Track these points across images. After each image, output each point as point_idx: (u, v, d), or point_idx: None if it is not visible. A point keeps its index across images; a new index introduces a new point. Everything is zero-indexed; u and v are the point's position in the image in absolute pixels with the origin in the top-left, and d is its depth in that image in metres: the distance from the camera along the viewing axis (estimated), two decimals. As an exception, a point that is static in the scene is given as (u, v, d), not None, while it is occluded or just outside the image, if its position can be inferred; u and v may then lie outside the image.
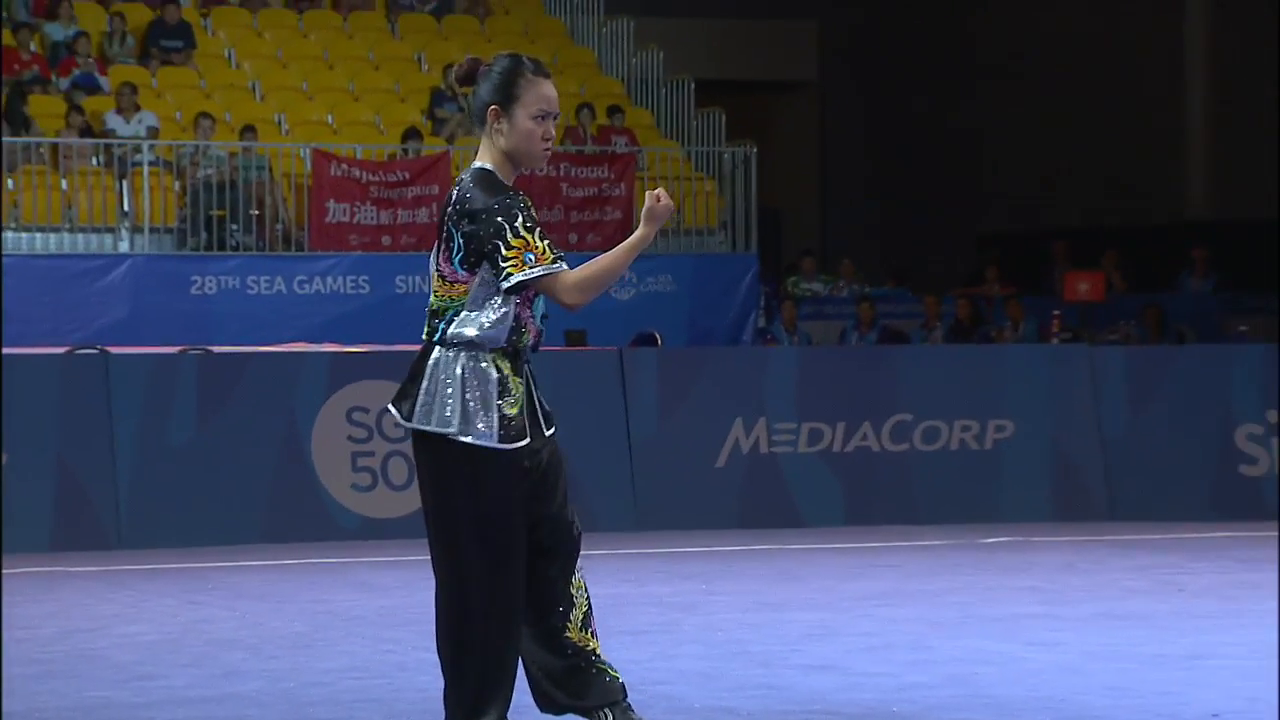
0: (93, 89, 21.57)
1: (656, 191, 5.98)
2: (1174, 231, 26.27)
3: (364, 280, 20.34)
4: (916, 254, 28.16)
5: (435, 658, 8.27)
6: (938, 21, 29.88)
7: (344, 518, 12.82)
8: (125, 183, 20.52)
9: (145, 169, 20.48)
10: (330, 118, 22.34)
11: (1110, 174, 28.13)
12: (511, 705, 6.26)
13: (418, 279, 20.52)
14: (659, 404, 13.47)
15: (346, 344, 16.28)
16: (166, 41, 22.46)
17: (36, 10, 22.53)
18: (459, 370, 5.97)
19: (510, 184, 6.00)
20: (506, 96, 5.97)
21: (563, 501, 6.07)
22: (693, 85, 23.61)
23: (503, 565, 6.01)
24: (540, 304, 6.02)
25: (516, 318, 5.96)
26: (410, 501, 12.94)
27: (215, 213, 20.46)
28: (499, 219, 5.88)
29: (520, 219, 5.88)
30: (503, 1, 24.90)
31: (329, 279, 20.31)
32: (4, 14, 22.05)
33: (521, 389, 6.00)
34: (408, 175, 20.87)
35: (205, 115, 21.08)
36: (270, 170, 20.86)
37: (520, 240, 5.88)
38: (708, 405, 13.54)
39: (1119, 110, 28.06)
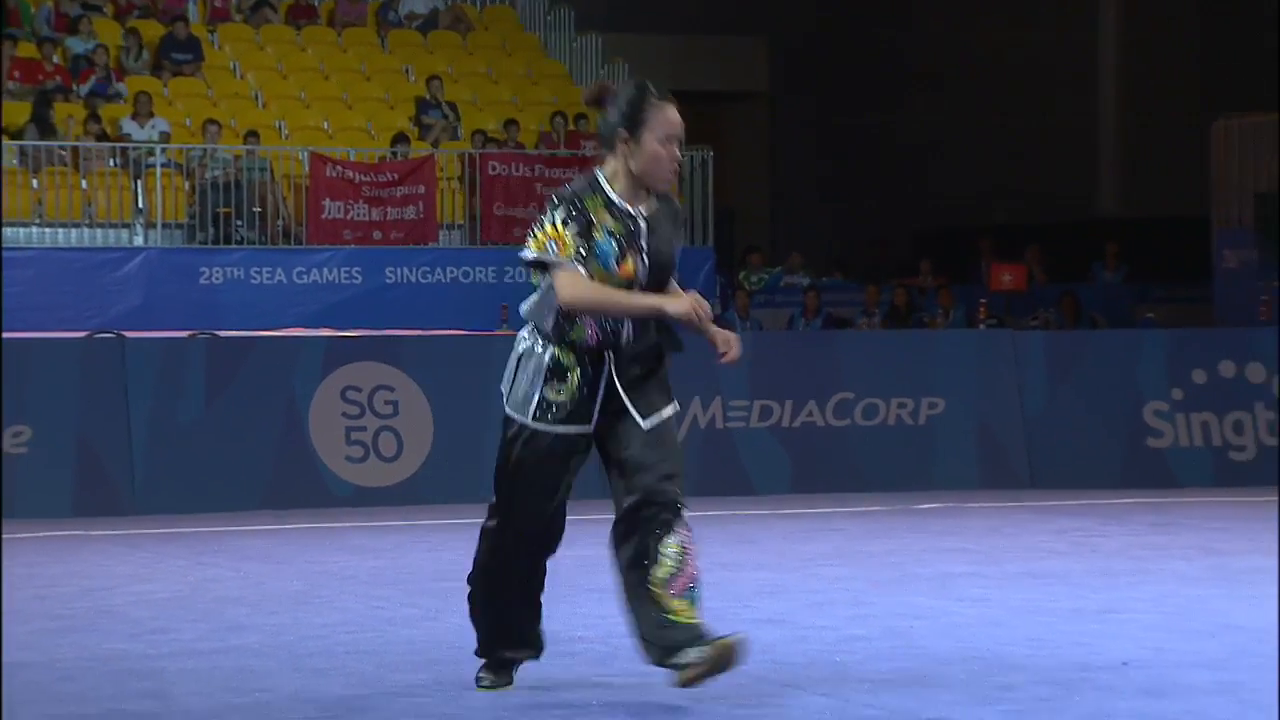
0: (110, 97, 21.46)
1: (717, 334, 5.94)
2: (1088, 228, 26.35)
3: (357, 271, 20.28)
4: (857, 248, 28.18)
5: (420, 612, 8.27)
6: (874, 38, 29.90)
7: (338, 487, 12.79)
8: (140, 183, 20.43)
9: (158, 170, 20.40)
10: (326, 124, 22.25)
11: (1031, 176, 28.19)
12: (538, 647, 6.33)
13: (406, 270, 20.47)
14: (624, 383, 13.43)
15: (341, 329, 16.23)
16: (177, 54, 22.35)
17: (58, 26, 22.39)
18: (520, 349, 5.99)
19: (629, 197, 5.86)
20: (634, 121, 5.85)
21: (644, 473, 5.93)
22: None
23: (508, 524, 6.07)
24: None
25: (562, 316, 5.86)
26: (398, 471, 12.93)
27: (221, 210, 20.39)
28: (546, 211, 5.88)
29: (561, 214, 5.82)
30: (483, 18, 24.82)
31: (325, 270, 20.25)
32: (29, 29, 21.90)
33: (577, 379, 5.90)
34: (396, 176, 20.82)
35: (212, 121, 20.99)
36: (271, 171, 20.79)
37: (553, 231, 5.82)
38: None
39: (1038, 118, 28.13)
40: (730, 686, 6.37)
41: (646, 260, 5.89)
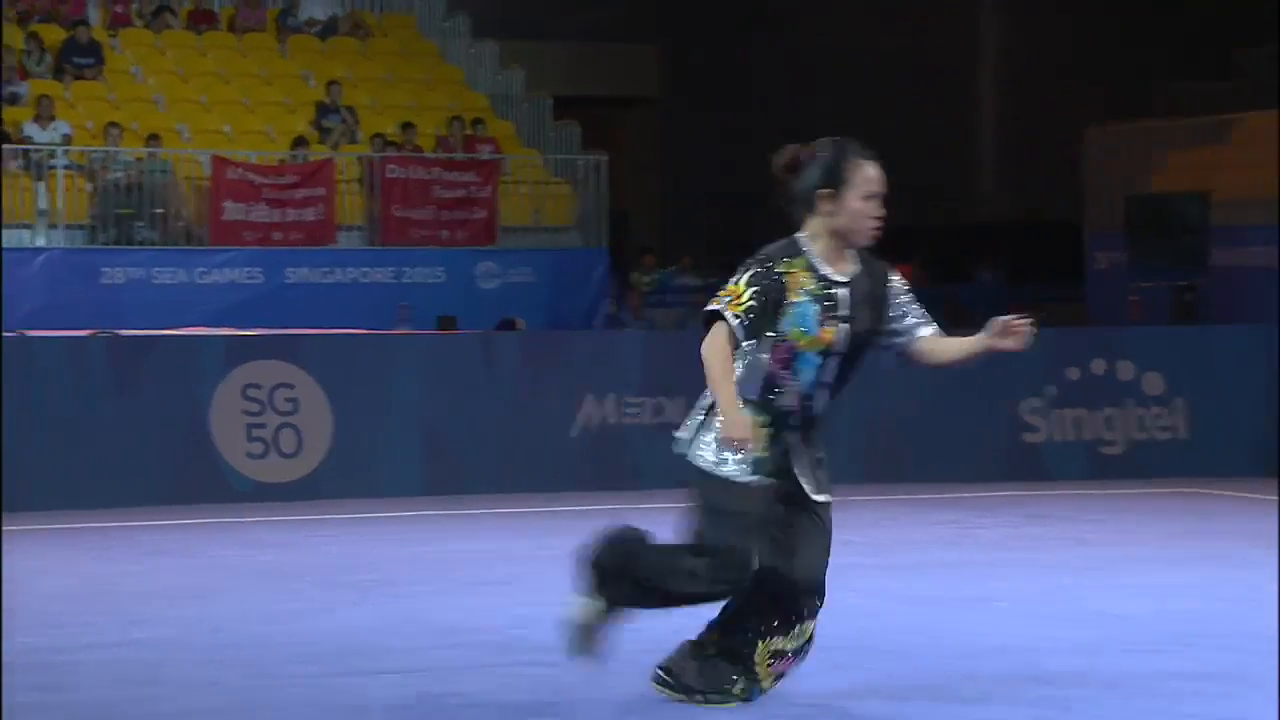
0: (12, 100, 21.18)
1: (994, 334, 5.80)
2: (969, 231, 26.61)
3: (257, 271, 20.14)
4: (747, 249, 28.29)
5: (319, 605, 8.23)
6: (760, 44, 30.06)
7: (239, 482, 12.70)
8: (42, 184, 20.19)
9: (60, 172, 20.16)
10: (227, 127, 22.07)
11: (914, 180, 28.38)
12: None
13: (306, 270, 20.35)
14: (520, 381, 13.44)
15: (242, 328, 16.11)
16: (79, 59, 22.10)
17: (-40, 29, 22.09)
18: (710, 404, 5.84)
19: (831, 259, 5.76)
20: (836, 180, 5.74)
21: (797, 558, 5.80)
22: (550, 101, 23.59)
23: (715, 565, 5.82)
24: (807, 371, 5.74)
25: (769, 377, 5.74)
26: (298, 467, 12.86)
27: (123, 211, 20.17)
28: (748, 260, 5.80)
29: (748, 274, 5.73)
30: (381, 25, 24.70)
31: (226, 270, 20.10)
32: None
33: (772, 440, 5.73)
34: (296, 179, 20.70)
35: (114, 125, 20.78)
36: (173, 174, 20.60)
37: (734, 287, 5.74)
38: (563, 382, 13.53)
39: (921, 123, 28.37)
40: (622, 677, 6.39)
41: (847, 328, 5.78)
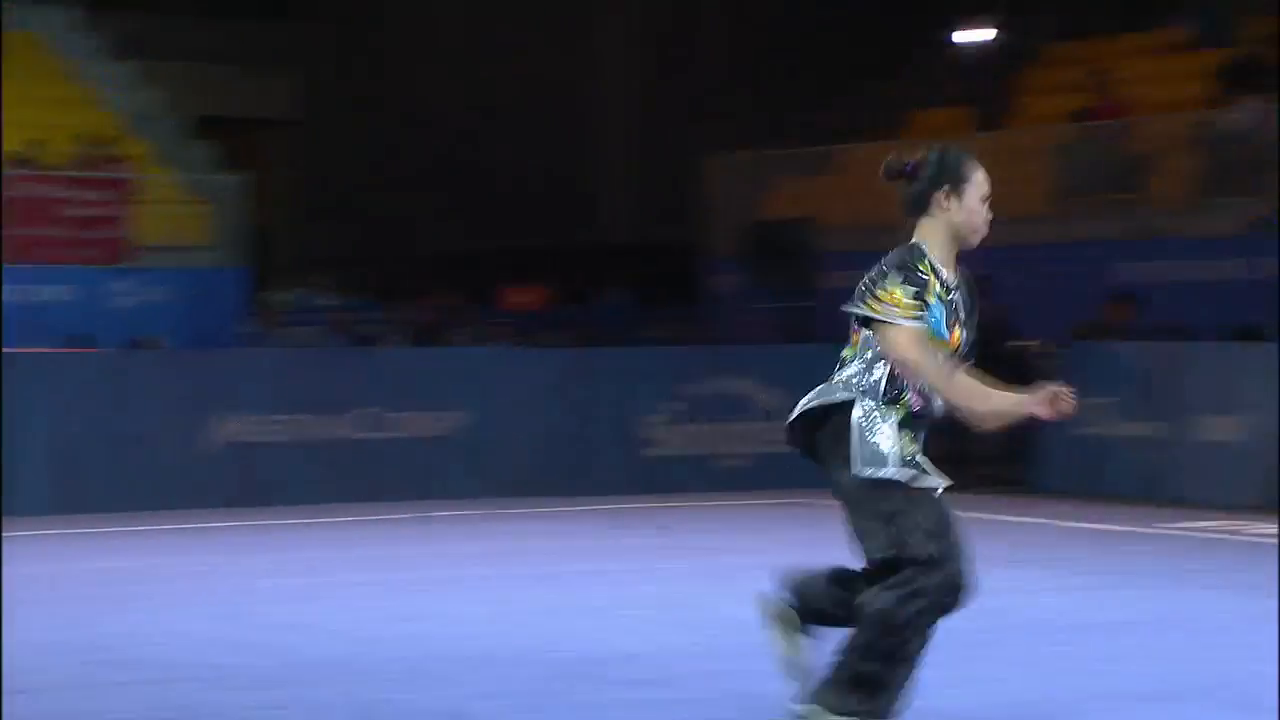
0: None
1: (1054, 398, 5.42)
2: (599, 252, 26.96)
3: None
4: (387, 269, 28.18)
5: (36, 624, 7.89)
6: (399, 68, 30.03)
7: None
8: None
9: None
10: None
11: (548, 202, 28.68)
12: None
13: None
14: (155, 399, 13.12)
15: None
16: None
17: None
18: (859, 418, 5.50)
19: (946, 262, 5.53)
20: (958, 179, 5.57)
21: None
22: (189, 121, 23.12)
23: (944, 577, 5.50)
24: None
25: (892, 378, 5.47)
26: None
27: None
28: (885, 269, 5.48)
29: (899, 278, 5.47)
30: (12, 41, 23.84)
31: None
32: None
33: (917, 437, 5.50)
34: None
35: None
36: None
37: (887, 295, 5.44)
38: (199, 399, 13.25)
39: (558, 149, 28.65)
40: (244, 690, 6.28)
41: (966, 332, 5.60)
